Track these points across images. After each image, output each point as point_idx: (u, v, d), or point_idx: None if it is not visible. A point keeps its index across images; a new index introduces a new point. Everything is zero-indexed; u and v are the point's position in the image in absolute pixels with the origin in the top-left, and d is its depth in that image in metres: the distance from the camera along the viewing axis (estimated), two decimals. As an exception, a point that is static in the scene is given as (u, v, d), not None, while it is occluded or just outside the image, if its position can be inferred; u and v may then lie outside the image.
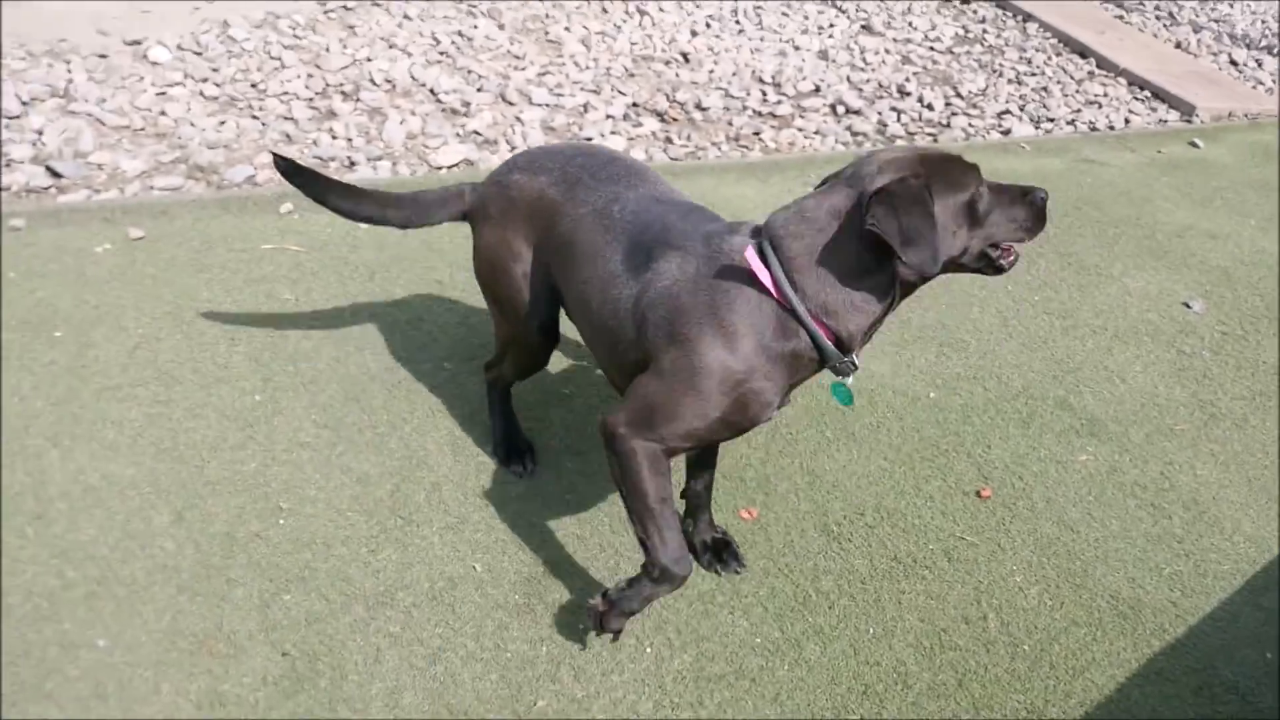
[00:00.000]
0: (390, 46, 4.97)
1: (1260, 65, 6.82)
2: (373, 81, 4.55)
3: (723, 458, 2.65)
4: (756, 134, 4.70)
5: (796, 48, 5.85)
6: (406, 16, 5.39)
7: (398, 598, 2.16)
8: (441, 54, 4.98)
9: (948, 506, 2.62)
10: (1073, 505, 2.68)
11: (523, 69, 4.95)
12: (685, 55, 5.44)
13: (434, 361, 2.86)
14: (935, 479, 2.70)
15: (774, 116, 4.94)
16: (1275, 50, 7.16)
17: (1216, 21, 7.66)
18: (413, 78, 4.63)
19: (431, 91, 4.55)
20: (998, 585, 2.40)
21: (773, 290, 1.81)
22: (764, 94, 5.14)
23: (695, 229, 1.98)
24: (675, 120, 4.68)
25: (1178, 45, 7.01)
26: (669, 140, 4.46)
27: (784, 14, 6.37)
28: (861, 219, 1.75)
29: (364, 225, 3.06)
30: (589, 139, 4.31)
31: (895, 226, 1.72)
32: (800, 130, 4.81)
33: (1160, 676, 2.22)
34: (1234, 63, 6.83)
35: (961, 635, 2.26)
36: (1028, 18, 7.03)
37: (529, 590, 2.22)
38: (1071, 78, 6.11)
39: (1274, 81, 6.59)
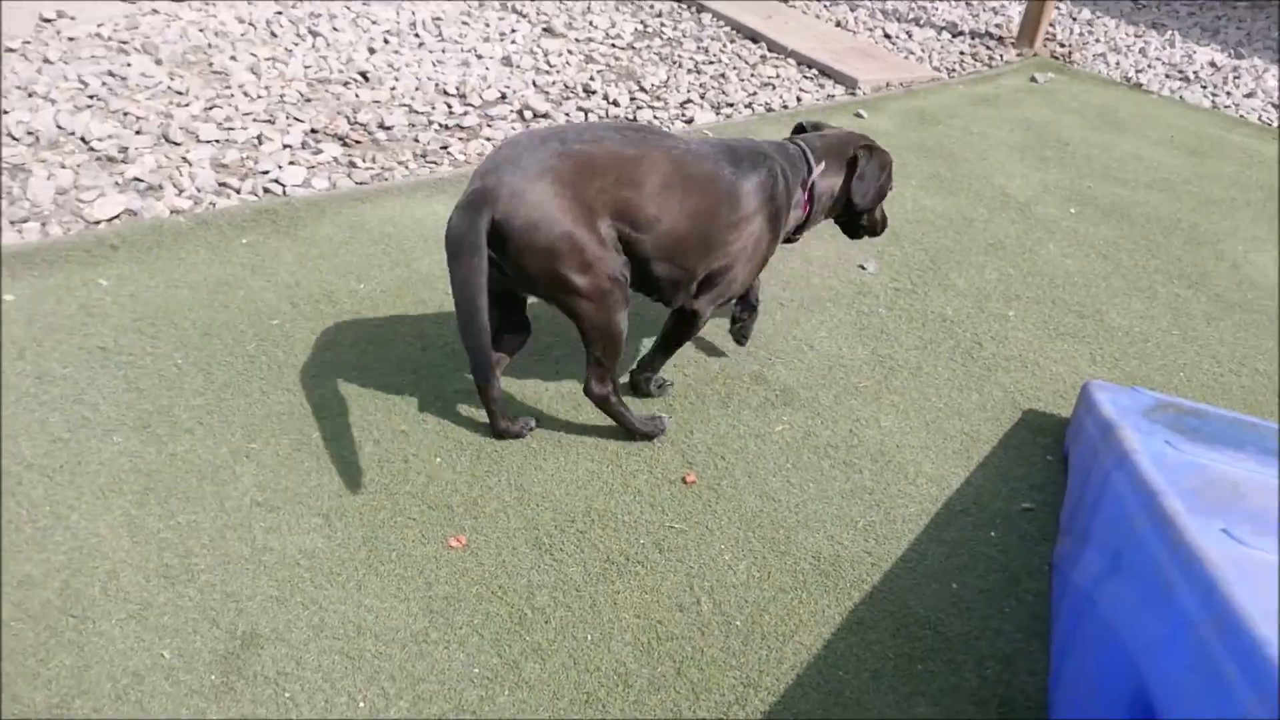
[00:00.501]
0: (29, 95, 4.56)
1: (910, 37, 7.39)
2: (11, 136, 4.16)
3: (426, 486, 2.60)
4: (444, 148, 4.64)
5: (479, 56, 5.83)
6: (47, 60, 4.97)
7: (75, 707, 1.98)
8: (91, 97, 4.63)
9: (656, 498, 2.67)
10: (773, 475, 2.80)
11: (186, 105, 4.68)
12: (364, 74, 5.30)
13: (100, 437, 2.65)
14: (643, 473, 2.76)
15: (461, 128, 4.90)
16: (922, 22, 7.77)
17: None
18: (59, 126, 4.27)
19: (83, 140, 4.22)
20: (708, 567, 2.47)
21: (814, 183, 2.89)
22: (449, 106, 5.08)
23: (767, 146, 2.81)
24: (358, 143, 4.55)
25: (838, 24, 7.48)
26: (353, 164, 4.34)
27: (464, 23, 6.33)
28: (852, 158, 2.91)
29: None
30: (265, 172, 4.12)
31: (871, 168, 2.89)
32: (489, 140, 4.79)
33: (862, 625, 2.35)
34: (888, 36, 7.36)
35: (677, 624, 2.31)
36: (701, 8, 7.31)
37: (226, 668, 2.09)
38: (746, 63, 6.40)
39: (923, 51, 7.14)
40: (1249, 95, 7.11)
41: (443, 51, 5.82)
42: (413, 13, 6.30)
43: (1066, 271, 4.13)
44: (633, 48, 6.41)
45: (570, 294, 2.44)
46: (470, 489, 2.63)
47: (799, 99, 5.91)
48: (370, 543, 2.43)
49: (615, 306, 2.50)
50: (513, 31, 6.32)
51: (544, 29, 6.48)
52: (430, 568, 2.38)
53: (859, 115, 5.64)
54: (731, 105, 5.68)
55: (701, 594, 2.40)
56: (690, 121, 5.36)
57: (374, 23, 6.06)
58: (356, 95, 5.06)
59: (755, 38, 6.84)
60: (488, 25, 6.35)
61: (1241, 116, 6.61)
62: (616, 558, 2.47)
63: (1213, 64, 7.72)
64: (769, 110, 5.68)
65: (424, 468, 2.68)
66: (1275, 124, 6.56)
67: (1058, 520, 2.73)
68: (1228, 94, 7.08)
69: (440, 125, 4.90)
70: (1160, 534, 1.80)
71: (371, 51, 5.65)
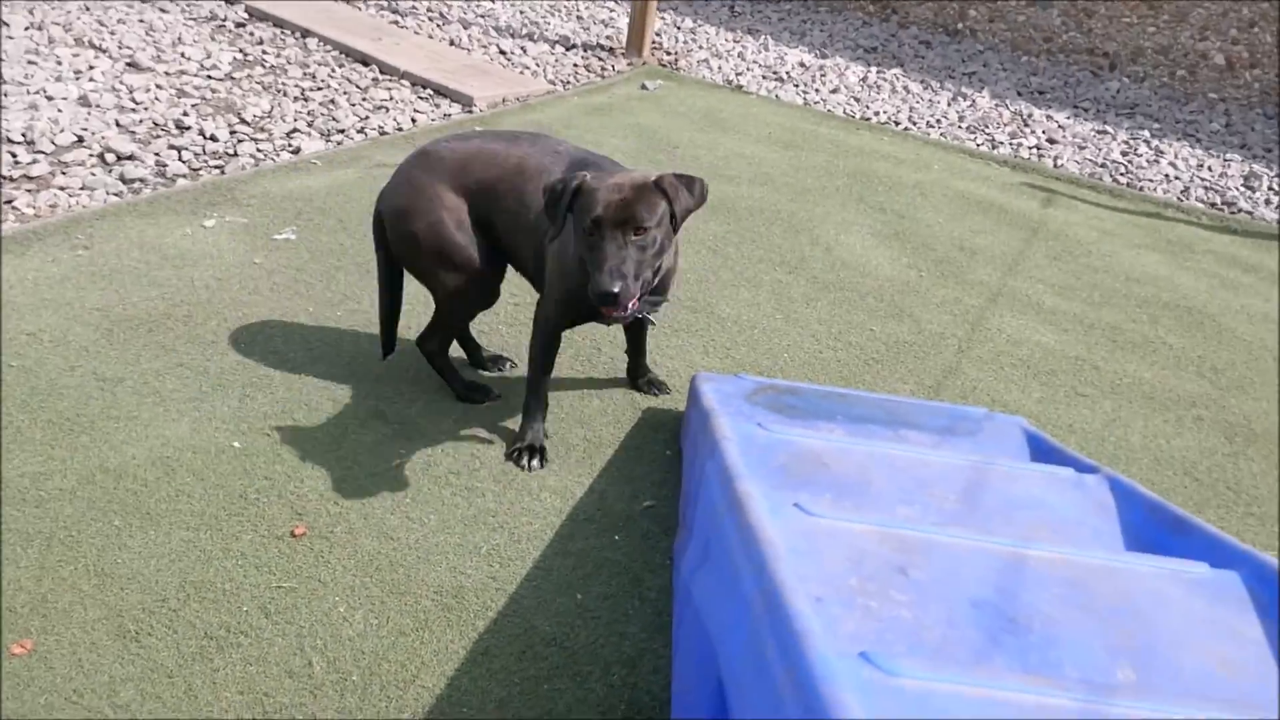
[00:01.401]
0: None
1: (525, 52, 7.48)
2: None
3: (-19, 592, 2.27)
4: (9, 202, 4.15)
5: (49, 98, 5.28)
6: None
7: None
8: None
9: (262, 558, 2.47)
10: (390, 513, 2.68)
11: None
12: (-96, 128, 4.66)
13: None
14: (246, 533, 2.55)
15: (29, 179, 4.40)
16: (535, 37, 7.89)
17: (482, 17, 8.27)
18: None
19: None
20: (320, 624, 2.31)
21: None
22: (14, 155, 4.56)
23: (607, 162, 3.02)
24: (-104, 206, 3.98)
25: (451, 43, 7.45)
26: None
27: (30, 62, 5.72)
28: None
29: None
30: None
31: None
32: (63, 189, 4.33)
33: (487, 655, 2.27)
34: (503, 52, 7.41)
35: (287, 692, 2.13)
36: (306, 33, 7.03)
37: None
38: (357, 86, 6.21)
39: (538, 65, 7.25)
40: (834, 91, 7.75)
41: (4, 95, 5.22)
42: (-33, 55, 5.63)
43: (679, 269, 4.27)
44: (231, 78, 6.05)
45: (421, 272, 3.07)
46: (38, 584, 2.32)
47: (414, 120, 5.80)
48: (-90, 668, 2.08)
49: (456, 280, 3.01)
50: (90, 69, 5.77)
51: (128, 64, 5.98)
52: (-10, 684, 2.07)
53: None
54: (343, 131, 5.49)
55: (313, 654, 2.23)
56: (297, 151, 5.12)
57: (-82, 68, 5.36)
58: (-104, 151, 4.43)
59: (366, 60, 6.67)
60: (59, 63, 5.77)
61: (829, 111, 7.18)
62: (216, 632, 2.26)
63: (802, 64, 8.35)
64: (383, 134, 5.54)
65: (-20, 569, 2.34)
66: (858, 115, 7.18)
67: (678, 514, 2.79)
68: (816, 91, 7.69)
69: (2, 177, 4.38)
70: (734, 519, 1.85)
71: (-86, 101, 4.98)
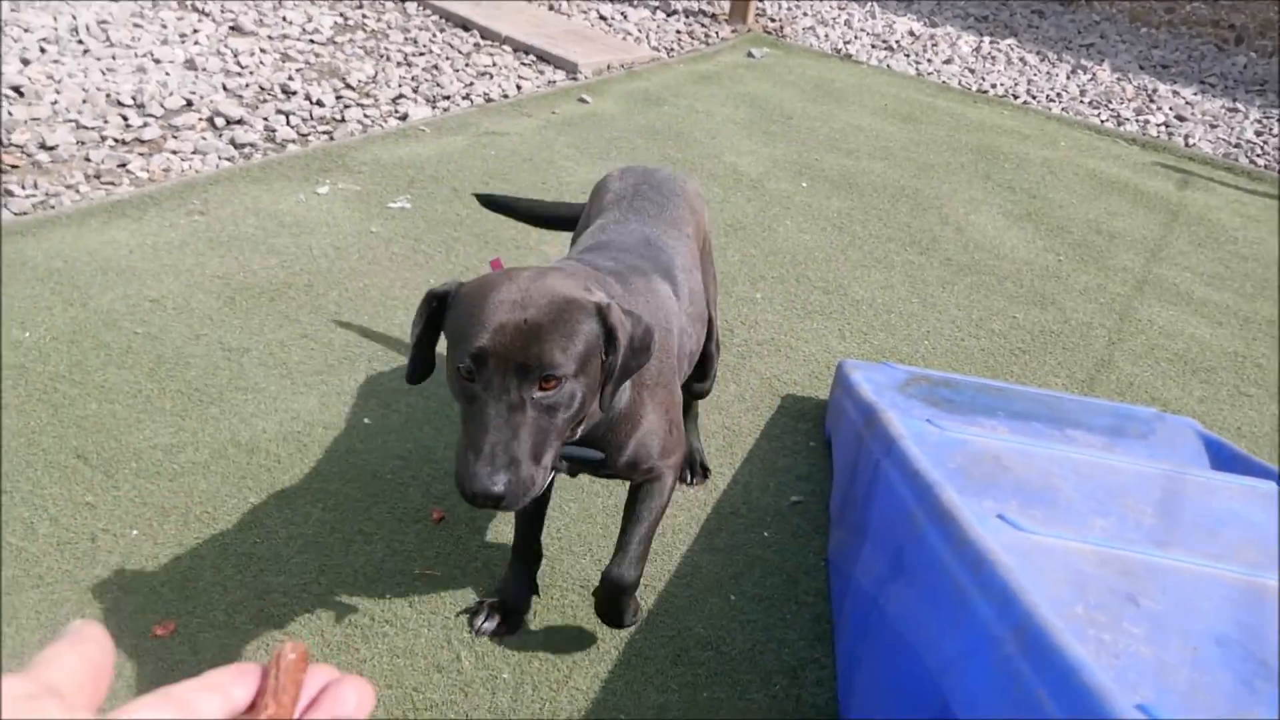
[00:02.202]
0: None
1: (626, 18, 7.29)
2: None
3: (122, 566, 2.19)
4: (123, 165, 4.09)
5: (157, 61, 5.22)
6: None
7: None
8: None
9: (401, 543, 2.36)
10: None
11: None
12: (18, 89, 4.62)
13: None
14: (383, 516, 2.44)
15: (141, 142, 4.34)
16: (636, 2, 7.70)
17: (583, -20, 8.10)
18: None
19: None
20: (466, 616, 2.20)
21: None
22: (125, 119, 4.50)
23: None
24: (15, 167, 3.93)
25: (550, 7, 7.28)
26: (9, 193, 3.73)
27: (136, 25, 5.67)
28: None
29: None
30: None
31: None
32: (175, 153, 4.27)
33: (640, 657, 2.14)
34: (603, 18, 7.23)
35: (436, 688, 2.02)
36: (406, -3, 6.92)
37: None
38: (459, 51, 6.08)
39: (640, 31, 7.06)
40: (947, 62, 7.45)
41: (113, 58, 5.17)
42: (73, 16, 5.58)
43: (806, 247, 4.09)
44: (334, 42, 5.95)
45: None
46: (177, 562, 2.23)
47: (519, 87, 5.66)
48: (52, 649, 2.00)
49: None
50: (195, 31, 5.71)
51: (231, 27, 5.91)
52: (130, 666, 1.99)
53: (583, 100, 5.46)
54: (448, 97, 5.36)
55: (461, 648, 2.12)
56: (404, 118, 5.01)
57: (25, 30, 5.32)
58: (10, 113, 4.39)
59: (466, 25, 6.53)
60: (164, 26, 5.72)
61: (944, 83, 6.90)
62: (360, 620, 2.16)
63: (911, 33, 8.05)
64: (489, 100, 5.41)
65: (117, 544, 2.26)
66: (974, 88, 6.89)
67: (828, 512, 2.63)
68: (929, 61, 7.40)
69: (116, 140, 4.32)
70: (942, 532, 1.68)
71: (25, 63, 4.94)
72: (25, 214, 3.60)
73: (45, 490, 2.37)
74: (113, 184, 3.93)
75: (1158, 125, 6.53)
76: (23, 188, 3.78)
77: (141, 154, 4.23)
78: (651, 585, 2.33)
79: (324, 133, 4.75)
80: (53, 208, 3.68)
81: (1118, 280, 4.19)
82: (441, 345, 1.62)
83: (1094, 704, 1.06)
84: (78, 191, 3.82)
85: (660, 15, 7.49)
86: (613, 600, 2.03)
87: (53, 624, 2.05)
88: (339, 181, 4.16)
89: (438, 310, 1.59)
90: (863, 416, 2.49)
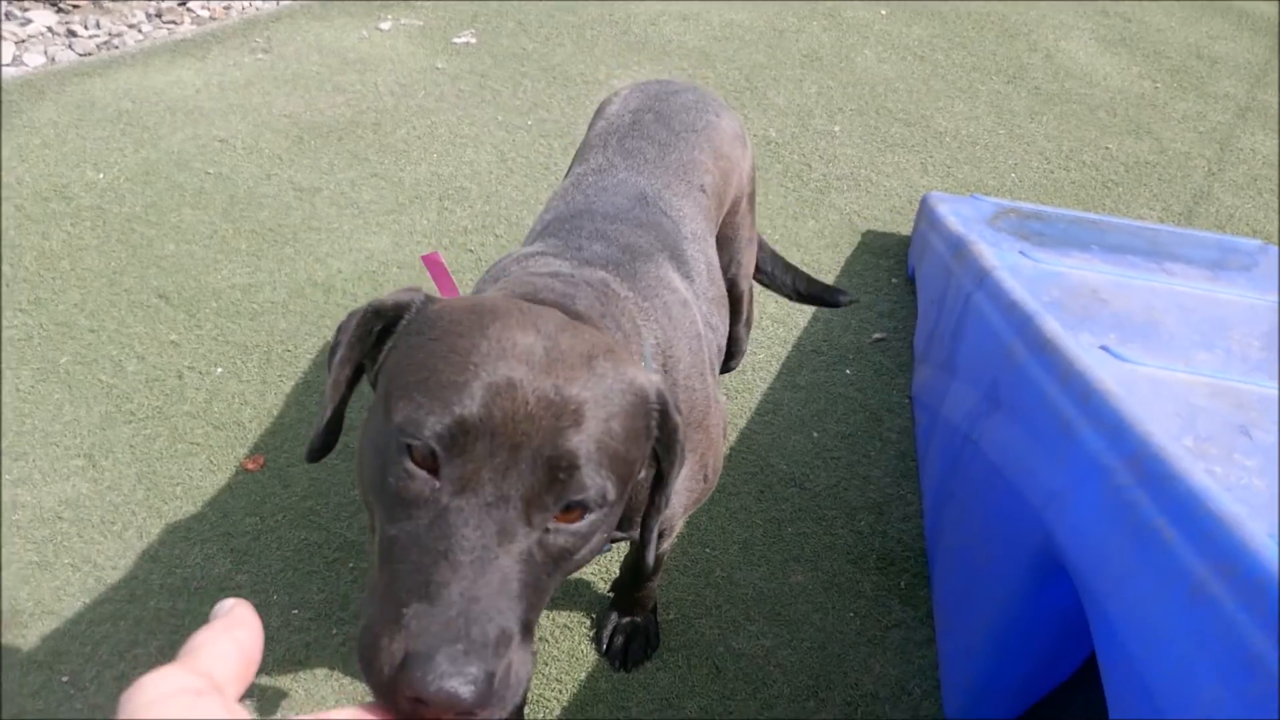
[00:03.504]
0: None
1: None
2: None
3: (209, 403, 2.22)
4: (183, 4, 4.00)
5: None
6: None
7: None
8: None
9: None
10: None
11: None
12: (75, -77, 4.50)
13: None
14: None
15: (201, -22, 4.23)
16: None
17: None
18: None
19: None
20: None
21: None
22: (184, -46, 4.37)
23: None
24: (76, 7, 3.86)
25: None
26: (72, 33, 3.67)
27: None
28: None
29: None
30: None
31: None
32: (236, -11, 4.16)
33: (724, 493, 2.14)
34: None
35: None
36: None
37: (-22, 665, 1.71)
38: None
39: None
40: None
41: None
42: None
43: (886, 78, 3.90)
44: None
45: None
46: (262, 399, 2.26)
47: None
48: (148, 479, 2.05)
49: None
50: None
51: None
52: (226, 499, 2.03)
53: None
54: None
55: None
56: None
57: None
58: (70, -52, 4.29)
59: None
60: None
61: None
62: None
63: None
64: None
65: (203, 381, 2.28)
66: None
67: (912, 348, 2.57)
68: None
69: None
70: (1044, 363, 1.61)
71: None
72: (90, 54, 3.55)
73: (131, 329, 2.39)
74: (174, 23, 3.85)
75: (1266, -58, 6.06)
76: (85, 27, 3.72)
77: (201, -9, 4.13)
78: (734, 422, 2.31)
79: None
80: (116, 48, 3.62)
81: (1218, 108, 3.96)
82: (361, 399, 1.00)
83: (1224, 532, 1.02)
84: (140, 31, 3.75)
85: None
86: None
87: (146, 458, 2.09)
88: (401, 17, 4.03)
89: (380, 337, 0.95)
90: (951, 250, 2.40)
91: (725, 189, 1.79)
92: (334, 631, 1.81)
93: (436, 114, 3.39)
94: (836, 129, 3.51)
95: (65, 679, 1.69)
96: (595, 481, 0.81)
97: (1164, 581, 1.08)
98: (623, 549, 1.87)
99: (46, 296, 2.45)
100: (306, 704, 1.71)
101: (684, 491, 1.34)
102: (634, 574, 1.73)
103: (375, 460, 0.82)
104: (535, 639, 0.72)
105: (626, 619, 1.80)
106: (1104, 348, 1.72)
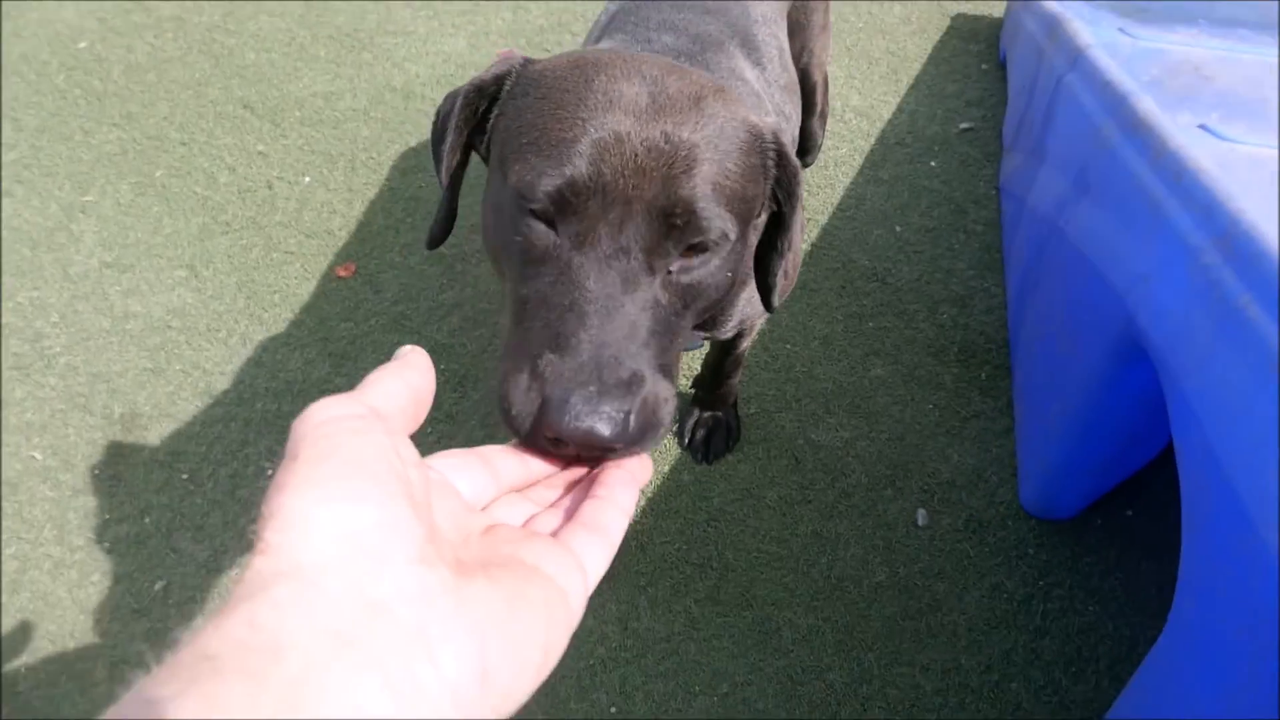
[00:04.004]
0: None
1: None
2: None
3: (299, 212, 2.27)
4: None
5: None
6: None
7: (-61, 532, 1.74)
8: None
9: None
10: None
11: None
12: None
13: None
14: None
15: None
16: None
17: None
18: None
19: None
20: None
21: None
22: None
23: None
24: None
25: None
26: None
27: None
28: None
29: None
30: None
31: None
32: None
33: (804, 289, 2.14)
34: None
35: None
36: None
37: (110, 457, 1.84)
38: None
39: None
40: None
41: None
42: None
43: None
44: None
45: None
46: (350, 207, 2.30)
47: None
48: (247, 288, 2.13)
49: None
50: None
51: None
52: (322, 305, 2.11)
53: None
54: None
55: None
56: None
57: None
58: None
59: None
60: None
61: None
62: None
63: None
64: None
65: (292, 191, 2.34)
66: None
67: (1000, 138, 2.48)
68: None
69: None
70: (1136, 144, 1.55)
71: None
72: None
73: (219, 140, 2.44)
74: None
75: None
76: None
77: None
78: (815, 219, 2.29)
79: None
80: None
81: None
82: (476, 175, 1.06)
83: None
84: None
85: None
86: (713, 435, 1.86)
87: (244, 267, 2.16)
88: None
89: (484, 113, 0.96)
90: (1044, 29, 2.28)
91: None
92: (428, 430, 1.90)
93: (507, -93, 3.27)
94: (928, -95, 3.30)
95: (185, 476, 1.81)
96: (713, 222, 0.82)
97: (1244, 359, 1.06)
98: (704, 349, 1.90)
99: (136, 110, 2.50)
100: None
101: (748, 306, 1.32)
102: (715, 373, 1.78)
103: (498, 222, 0.86)
104: (676, 380, 0.81)
105: (708, 413, 1.85)
106: (1203, 126, 1.65)
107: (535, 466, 0.58)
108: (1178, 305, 1.24)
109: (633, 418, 0.72)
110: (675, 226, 0.81)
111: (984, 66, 2.70)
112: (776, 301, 1.09)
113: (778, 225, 1.02)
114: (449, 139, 0.94)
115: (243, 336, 2.04)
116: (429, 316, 2.07)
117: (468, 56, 2.69)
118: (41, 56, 2.64)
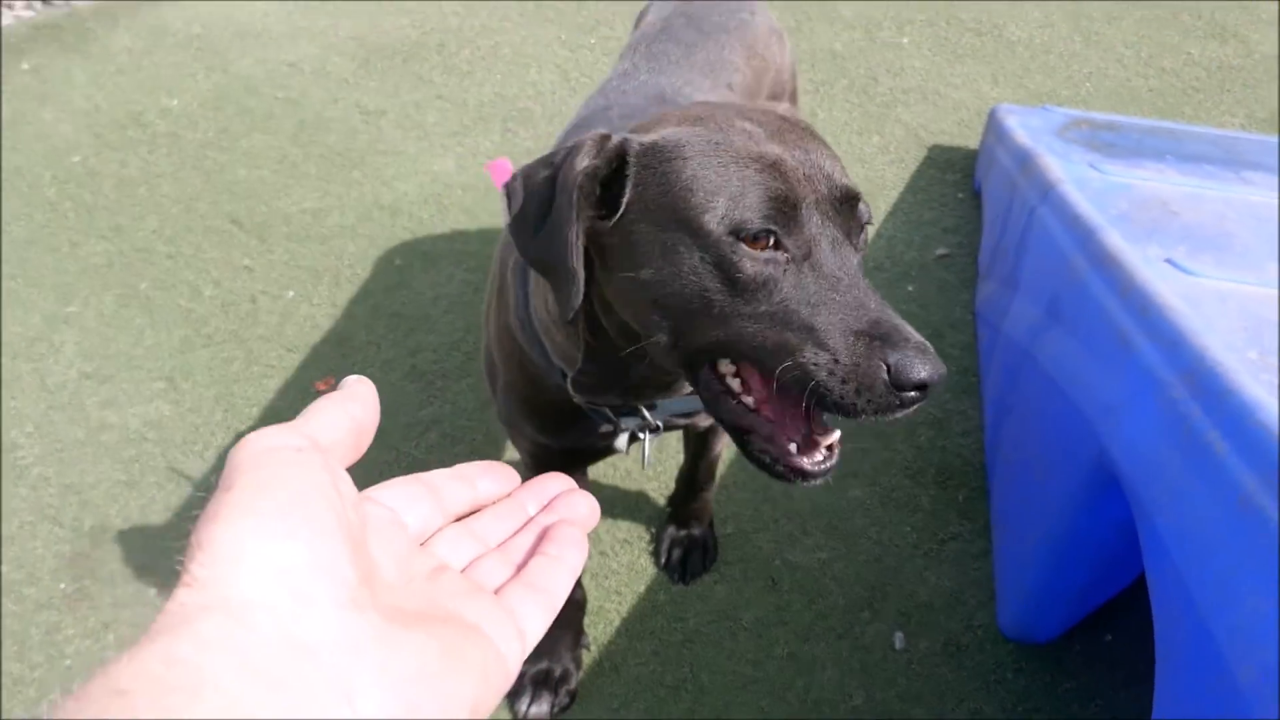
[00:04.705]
0: None
1: None
2: None
3: (281, 326, 2.29)
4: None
5: None
6: None
7: (-103, 647, 1.70)
8: None
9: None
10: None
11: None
12: None
13: None
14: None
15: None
16: None
17: None
18: None
19: None
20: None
21: None
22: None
23: None
24: (145, -67, 3.91)
25: None
26: (142, -41, 3.73)
27: None
28: None
29: None
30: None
31: None
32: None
33: (783, 410, 2.15)
34: None
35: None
36: None
37: (76, 571, 1.82)
38: None
39: None
40: None
41: None
42: None
43: (955, -15, 3.79)
44: None
45: None
46: (332, 321, 2.32)
47: None
48: (225, 400, 2.13)
49: None
50: None
51: None
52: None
53: None
54: None
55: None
56: None
57: None
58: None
59: None
60: None
61: None
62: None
63: None
64: None
65: (275, 305, 2.36)
66: None
67: (976, 265, 2.54)
68: None
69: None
70: (1104, 277, 1.59)
71: None
72: (159, -18, 3.61)
73: (206, 254, 2.47)
74: (240, -52, 3.88)
75: None
76: (154, -45, 3.77)
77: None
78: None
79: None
80: (184, -25, 3.67)
81: (1312, 8, 3.78)
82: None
83: (1273, 443, 1.01)
84: (207, -43, 3.79)
85: None
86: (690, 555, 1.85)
87: (224, 380, 2.17)
88: (463, -65, 4.01)
89: (610, 177, 0.98)
90: (1017, 163, 2.35)
91: (759, 87, 1.78)
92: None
93: (500, 34, 3.39)
94: (905, 40, 3.43)
95: (154, 591, 1.79)
96: (865, 202, 0.98)
97: (1213, 493, 1.08)
98: (675, 461, 1.89)
99: (126, 223, 2.54)
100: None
101: None
102: (689, 483, 1.79)
103: (695, 281, 0.92)
104: None
105: (684, 532, 1.85)
106: (1169, 260, 1.69)
107: (483, 490, 0.57)
108: (1147, 438, 1.26)
109: (934, 375, 0.88)
110: (854, 211, 0.95)
111: (960, 195, 2.78)
112: None
113: None
114: (572, 225, 0.95)
115: (219, 449, 2.03)
116: (407, 432, 2.07)
117: (455, 176, 2.75)
118: (35, 169, 2.69)
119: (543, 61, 3.24)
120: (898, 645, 1.72)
